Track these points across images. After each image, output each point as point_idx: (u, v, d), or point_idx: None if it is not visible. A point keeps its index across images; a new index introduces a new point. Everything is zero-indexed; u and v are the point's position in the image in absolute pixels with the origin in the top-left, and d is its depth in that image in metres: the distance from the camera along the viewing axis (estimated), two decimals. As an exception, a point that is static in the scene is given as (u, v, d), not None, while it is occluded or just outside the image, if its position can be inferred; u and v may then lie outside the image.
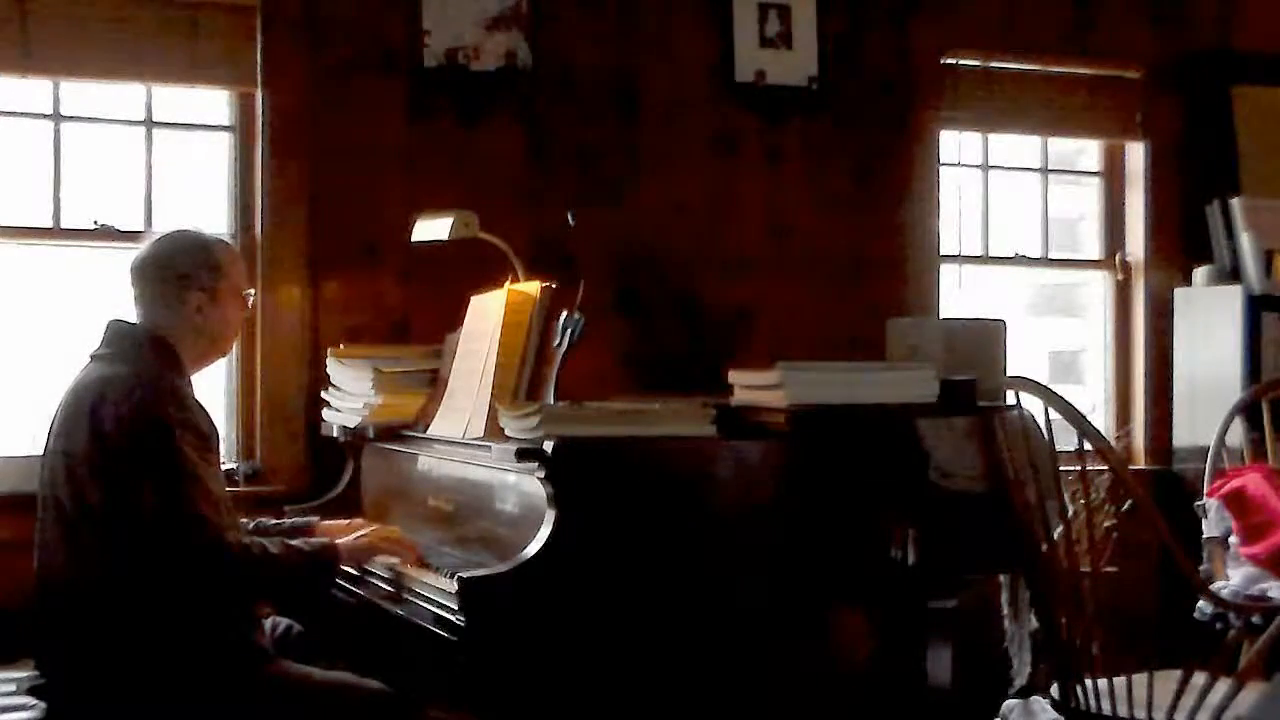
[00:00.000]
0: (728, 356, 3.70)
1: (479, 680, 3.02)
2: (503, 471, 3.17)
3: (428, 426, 3.55)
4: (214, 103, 4.22)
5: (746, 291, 4.54)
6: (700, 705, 3.31)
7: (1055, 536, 3.20)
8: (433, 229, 3.85)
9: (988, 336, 3.59)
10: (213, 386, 4.02)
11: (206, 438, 3.01)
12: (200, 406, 3.06)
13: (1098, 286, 5.28)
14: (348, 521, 3.53)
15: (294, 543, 3.13)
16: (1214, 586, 3.72)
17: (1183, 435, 4.98)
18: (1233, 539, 3.85)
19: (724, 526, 3.02)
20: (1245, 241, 4.83)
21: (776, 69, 4.60)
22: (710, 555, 3.01)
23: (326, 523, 3.51)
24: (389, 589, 3.20)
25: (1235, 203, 4.90)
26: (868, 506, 3.14)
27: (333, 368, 3.89)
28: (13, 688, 3.08)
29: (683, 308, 4.47)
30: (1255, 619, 3.26)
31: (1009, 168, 5.22)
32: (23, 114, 4.05)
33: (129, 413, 2.94)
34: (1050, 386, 3.28)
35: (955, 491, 3.19)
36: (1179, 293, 5.04)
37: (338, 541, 3.21)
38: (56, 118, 4.04)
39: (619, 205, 4.40)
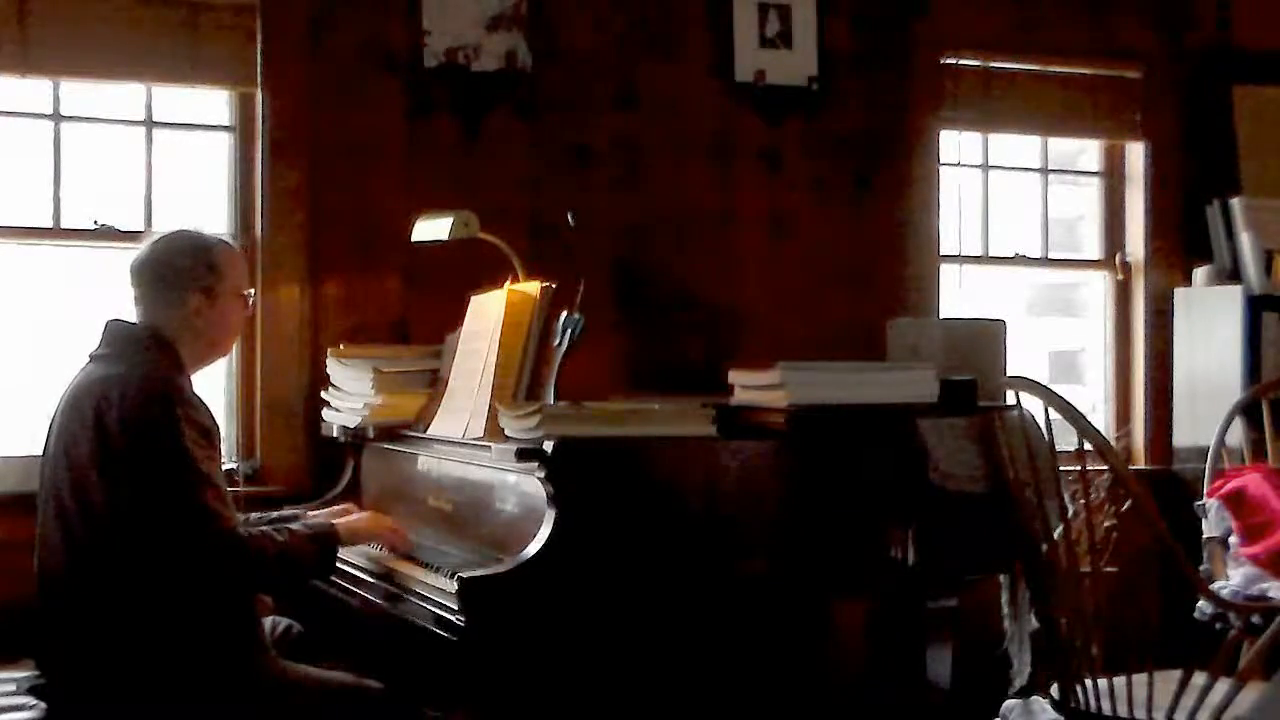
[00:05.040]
0: (727, 356, 3.70)
1: (479, 680, 3.02)
2: (503, 471, 3.17)
3: (428, 426, 3.55)
4: (214, 103, 4.22)
5: (746, 291, 4.54)
6: (700, 705, 3.32)
7: (1055, 536, 3.20)
8: (433, 229, 3.85)
9: (988, 336, 3.59)
10: (213, 386, 4.02)
11: (209, 433, 3.02)
12: (202, 402, 3.06)
13: (1098, 286, 5.28)
14: (340, 508, 3.53)
15: (295, 528, 3.14)
16: (1214, 586, 3.72)
17: (1183, 435, 4.98)
18: (1233, 539, 3.85)
19: (724, 526, 3.02)
20: (1245, 241, 4.83)
21: (776, 69, 4.60)
22: (710, 555, 3.01)
23: (315, 513, 3.51)
24: (389, 589, 3.20)
25: (1235, 203, 4.90)
26: (867, 506, 3.14)
27: (333, 368, 3.90)
28: (13, 688, 3.08)
29: (683, 307, 4.47)
30: (1255, 619, 3.26)
31: (1009, 168, 5.22)
32: (23, 114, 4.05)
33: (133, 409, 2.94)
34: (1050, 386, 3.29)
35: (955, 491, 3.19)
36: (1179, 293, 5.04)
37: (335, 523, 3.22)
38: (56, 118, 4.04)
39: (619, 205, 4.40)
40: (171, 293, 3.13)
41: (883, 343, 3.78)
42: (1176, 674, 3.10)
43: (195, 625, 2.95)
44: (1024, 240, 5.22)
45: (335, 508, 3.54)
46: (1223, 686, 3.05)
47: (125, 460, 2.92)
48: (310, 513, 3.52)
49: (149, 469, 2.91)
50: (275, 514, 3.50)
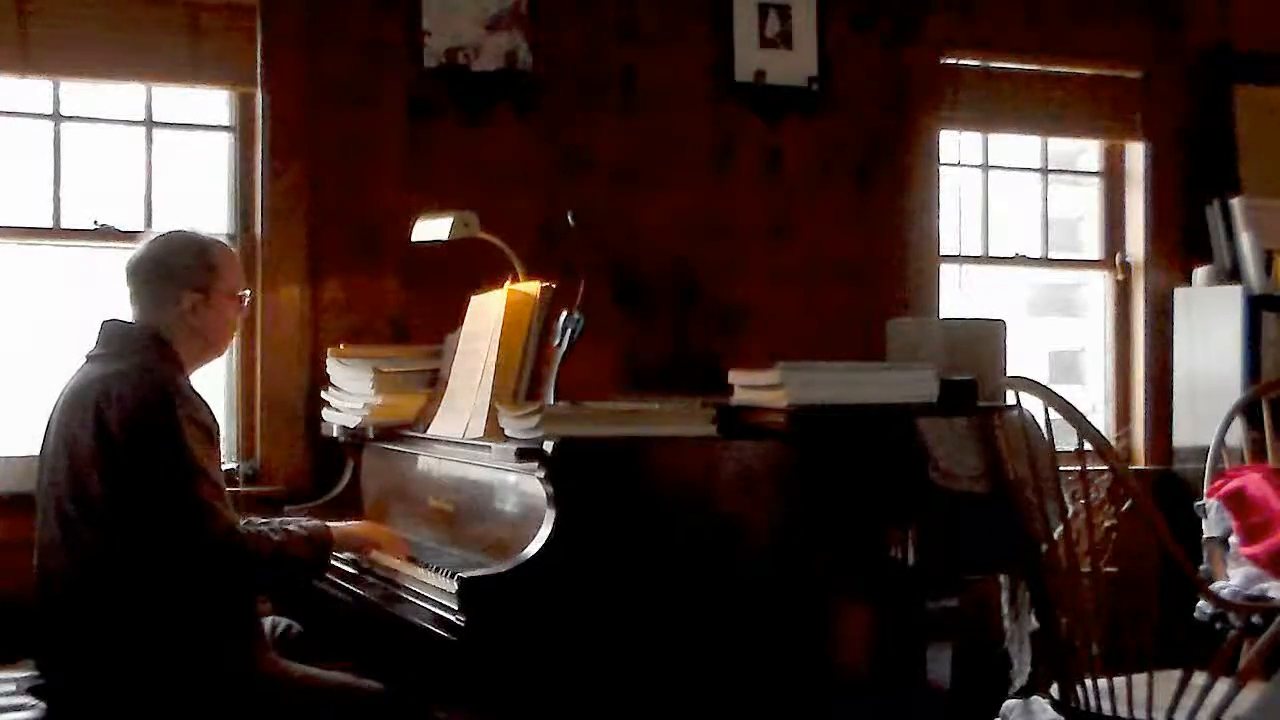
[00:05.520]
0: (728, 356, 3.70)
1: (478, 680, 3.02)
2: (503, 471, 3.17)
3: (428, 426, 3.54)
4: (214, 103, 4.22)
5: (746, 291, 4.55)
6: (700, 705, 3.31)
7: (1055, 536, 3.20)
8: (433, 229, 3.85)
9: (988, 336, 3.59)
10: (213, 386, 4.01)
11: (210, 431, 3.02)
12: (203, 400, 3.06)
13: (1098, 286, 5.28)
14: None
15: (291, 528, 3.14)
16: (1214, 586, 3.72)
17: (1183, 435, 4.98)
18: (1233, 539, 3.85)
19: (724, 526, 3.02)
20: (1245, 241, 4.84)
21: (776, 69, 4.60)
22: (710, 555, 3.01)
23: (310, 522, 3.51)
24: (388, 589, 3.20)
25: (1235, 203, 4.90)
26: (868, 506, 3.14)
27: (333, 368, 3.89)
28: (13, 688, 3.08)
29: (683, 307, 4.48)
30: (1255, 619, 3.27)
31: (1009, 168, 5.22)
32: (23, 114, 4.05)
33: (134, 408, 2.94)
34: (1050, 386, 3.29)
35: (955, 491, 3.19)
36: (1179, 293, 5.05)
37: (330, 526, 3.22)
38: (56, 118, 4.04)
39: (619, 205, 4.40)
40: (167, 292, 3.13)
41: (883, 342, 3.78)
42: (1176, 674, 3.10)
43: (195, 625, 2.95)
44: (1024, 240, 5.22)
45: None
46: (1223, 686, 3.05)
47: (126, 458, 2.92)
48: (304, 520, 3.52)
49: (149, 466, 2.92)
50: (277, 521, 3.50)
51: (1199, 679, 3.05)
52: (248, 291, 3.33)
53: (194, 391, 3.07)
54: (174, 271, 3.14)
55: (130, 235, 3.80)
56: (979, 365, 3.42)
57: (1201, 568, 3.87)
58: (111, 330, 3.14)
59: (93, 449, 2.95)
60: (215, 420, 3.08)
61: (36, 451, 3.15)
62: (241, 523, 3.37)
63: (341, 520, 3.48)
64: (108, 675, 2.93)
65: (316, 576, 3.22)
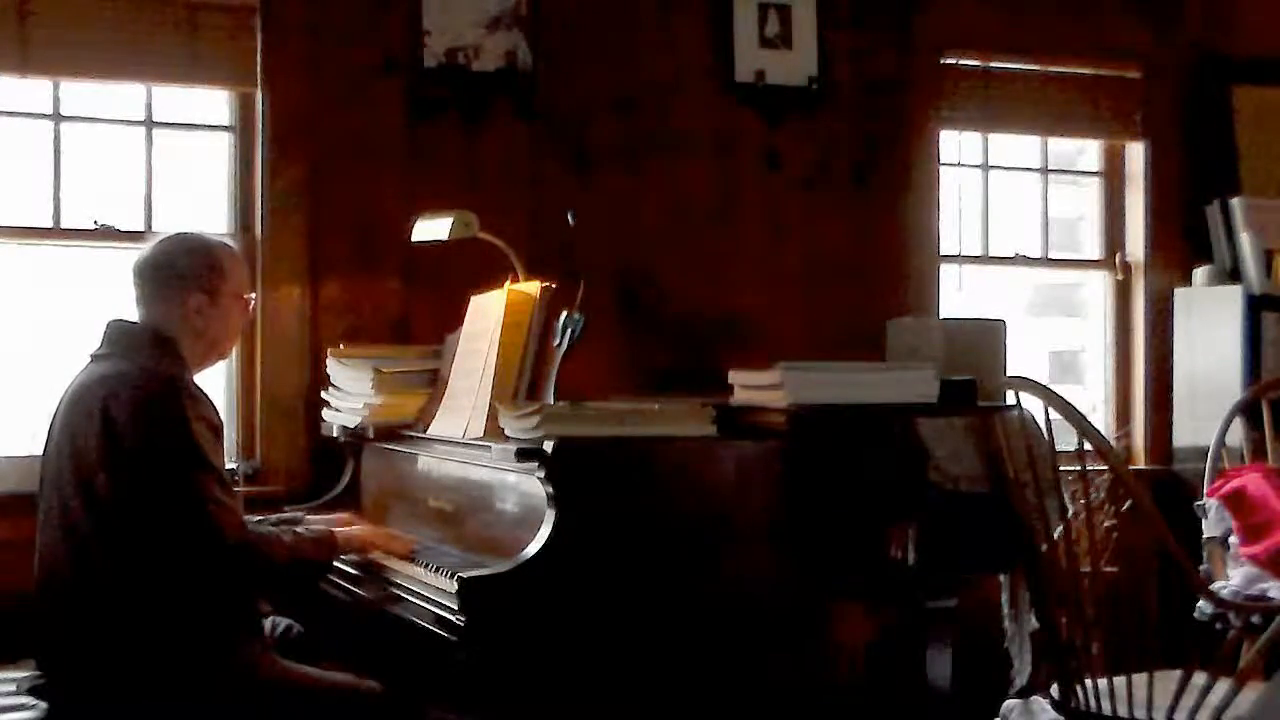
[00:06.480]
0: (727, 356, 3.70)
1: (478, 680, 3.02)
2: (503, 471, 3.17)
3: (428, 426, 3.55)
4: (214, 103, 4.22)
5: (746, 291, 4.54)
6: (700, 705, 3.32)
7: (1055, 536, 3.20)
8: (433, 229, 3.85)
9: (988, 336, 3.59)
10: (213, 386, 4.01)
11: (217, 429, 3.03)
12: (209, 399, 3.07)
13: (1098, 286, 5.28)
14: (335, 515, 3.54)
15: (299, 530, 3.17)
16: (1214, 586, 3.72)
17: (1183, 435, 4.98)
18: (1233, 539, 3.85)
19: (723, 526, 3.02)
20: (1245, 241, 4.84)
21: (776, 69, 4.60)
22: (710, 555, 3.01)
23: (314, 517, 3.52)
24: (388, 589, 3.20)
25: (1235, 203, 4.90)
26: (867, 506, 3.14)
27: (333, 368, 3.90)
28: (13, 688, 3.08)
29: (682, 307, 4.47)
30: (1255, 619, 3.26)
31: (1009, 168, 5.22)
32: (23, 114, 4.05)
33: (142, 405, 2.95)
34: (1050, 386, 3.29)
35: (955, 491, 3.19)
36: (1179, 293, 5.04)
37: (335, 531, 3.24)
38: (56, 118, 4.04)
39: (619, 205, 4.40)
40: (173, 291, 3.13)
41: (883, 343, 3.78)
42: (1176, 674, 3.10)
43: (197, 624, 2.96)
44: (1024, 240, 5.22)
45: (333, 515, 3.55)
46: (1223, 686, 3.05)
47: (135, 456, 2.93)
48: (309, 516, 3.53)
49: (159, 464, 2.92)
50: (275, 516, 3.51)
51: (1199, 679, 3.05)
52: (254, 295, 3.33)
53: (200, 390, 3.08)
54: (180, 273, 3.14)
55: (130, 235, 3.81)
56: (979, 365, 3.43)
57: (1201, 568, 3.86)
58: (116, 330, 3.15)
59: (100, 449, 2.95)
60: (220, 419, 3.08)
61: (37, 451, 3.15)
62: (251, 520, 3.40)
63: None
64: (109, 675, 2.93)
65: (321, 580, 3.23)
